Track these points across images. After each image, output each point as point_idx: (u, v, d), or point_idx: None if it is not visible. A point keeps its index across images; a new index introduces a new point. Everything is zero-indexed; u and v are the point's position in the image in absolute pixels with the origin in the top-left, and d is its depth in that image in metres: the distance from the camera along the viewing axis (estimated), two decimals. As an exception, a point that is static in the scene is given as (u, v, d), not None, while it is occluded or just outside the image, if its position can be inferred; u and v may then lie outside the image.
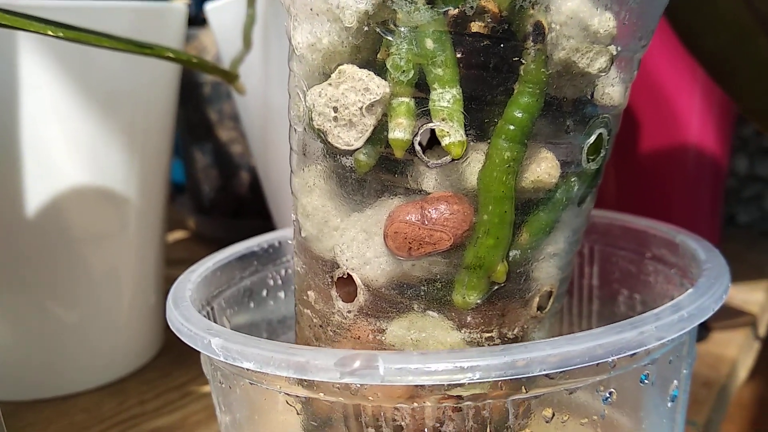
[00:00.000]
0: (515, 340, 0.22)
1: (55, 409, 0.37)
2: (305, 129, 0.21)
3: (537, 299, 0.22)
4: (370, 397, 0.19)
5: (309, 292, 0.23)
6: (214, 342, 0.19)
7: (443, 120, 0.18)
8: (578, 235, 0.23)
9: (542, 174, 0.20)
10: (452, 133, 0.18)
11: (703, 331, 0.42)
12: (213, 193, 0.63)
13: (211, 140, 0.61)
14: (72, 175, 0.35)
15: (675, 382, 0.21)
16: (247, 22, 0.34)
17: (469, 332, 0.21)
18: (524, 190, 0.20)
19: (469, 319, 0.21)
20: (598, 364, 0.17)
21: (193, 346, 0.20)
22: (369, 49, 0.19)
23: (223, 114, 0.59)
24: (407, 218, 0.19)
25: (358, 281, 0.21)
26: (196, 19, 0.55)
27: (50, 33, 0.26)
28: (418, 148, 0.19)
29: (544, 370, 0.17)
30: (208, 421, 0.35)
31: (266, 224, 0.55)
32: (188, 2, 0.41)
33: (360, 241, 0.21)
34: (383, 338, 0.21)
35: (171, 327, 0.22)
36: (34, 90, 0.33)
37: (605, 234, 0.30)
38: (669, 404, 0.21)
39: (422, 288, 0.21)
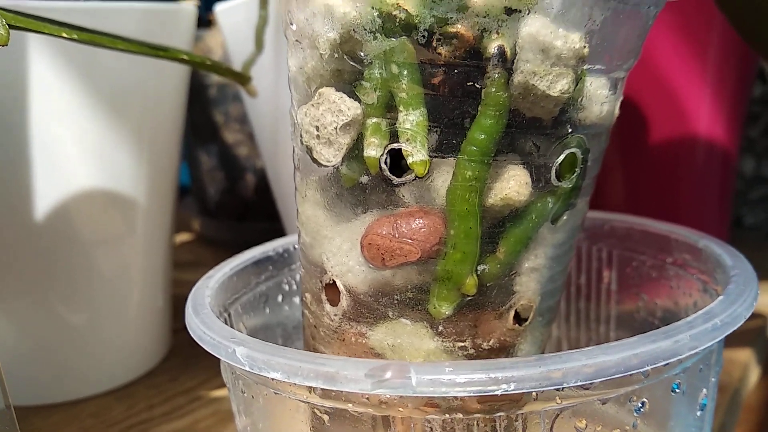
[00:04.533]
0: (492, 350, 0.22)
1: (64, 414, 0.37)
2: (298, 144, 0.23)
3: (513, 312, 0.23)
4: (400, 408, 0.18)
5: (307, 294, 0.24)
6: (239, 351, 0.19)
7: (407, 140, 0.20)
8: (561, 250, 0.23)
9: (511, 192, 0.20)
10: (415, 153, 0.20)
11: None
12: (218, 195, 0.62)
13: (216, 142, 0.60)
14: (81, 178, 0.35)
15: (704, 390, 0.21)
16: (260, 23, 0.34)
17: (443, 341, 0.22)
18: (493, 207, 0.21)
19: (441, 328, 0.22)
20: (632, 374, 0.17)
21: (217, 356, 0.20)
22: (350, 71, 0.20)
23: (229, 116, 0.59)
24: (380, 231, 0.21)
25: (341, 287, 0.22)
26: (201, 20, 0.54)
27: (65, 35, 0.25)
28: (384, 166, 0.20)
29: (579, 381, 0.17)
30: (218, 426, 0.35)
31: (272, 226, 0.55)
32: (197, 3, 0.41)
33: (344, 251, 0.22)
34: (365, 341, 0.22)
35: (192, 335, 0.21)
36: (43, 92, 0.33)
37: (624, 238, 0.30)
38: (698, 413, 0.21)
39: (396, 296, 0.22)
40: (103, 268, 0.38)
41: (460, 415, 0.18)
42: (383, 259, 0.21)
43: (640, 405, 0.19)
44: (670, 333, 0.18)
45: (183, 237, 0.71)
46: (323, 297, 0.23)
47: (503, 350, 0.23)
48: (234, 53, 0.42)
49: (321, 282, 0.23)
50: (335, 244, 0.22)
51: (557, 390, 0.17)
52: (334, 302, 0.23)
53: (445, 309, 0.21)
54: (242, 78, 0.34)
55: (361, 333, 0.22)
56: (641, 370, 0.17)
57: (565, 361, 0.17)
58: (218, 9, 0.42)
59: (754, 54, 0.45)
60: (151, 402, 0.38)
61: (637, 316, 0.30)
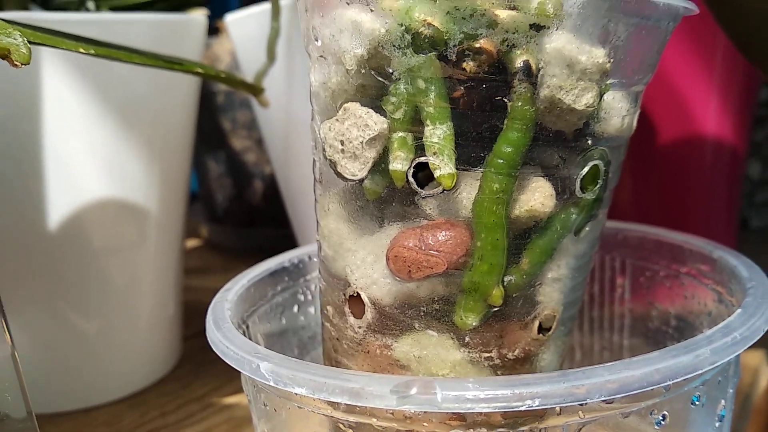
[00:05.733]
0: (517, 360, 0.23)
1: (77, 422, 0.37)
2: (320, 158, 0.23)
3: (537, 322, 0.23)
4: (424, 423, 0.19)
5: (328, 307, 0.25)
6: (263, 366, 0.19)
7: (434, 154, 0.20)
8: (582, 261, 0.24)
9: (536, 204, 0.21)
10: (442, 167, 0.20)
11: None
12: (226, 201, 0.63)
13: (224, 149, 0.61)
14: (93, 187, 0.35)
15: (722, 401, 0.21)
16: (272, 34, 0.34)
17: (469, 351, 0.22)
18: (519, 218, 0.21)
19: (467, 339, 0.22)
20: (653, 388, 0.17)
21: (240, 371, 0.20)
22: (375, 86, 0.21)
23: (237, 123, 0.59)
24: (406, 243, 0.21)
25: (365, 300, 0.22)
26: (209, 28, 0.55)
27: (82, 51, 0.25)
28: (411, 179, 0.21)
29: (602, 397, 0.17)
30: (232, 433, 0.35)
31: (280, 233, 0.55)
32: (207, 14, 0.41)
33: (369, 263, 0.22)
34: (390, 354, 0.22)
35: (215, 350, 0.22)
36: (56, 102, 0.33)
37: (638, 248, 0.30)
38: (717, 424, 0.21)
39: (422, 308, 0.22)
40: (114, 276, 0.38)
41: (484, 430, 0.18)
42: (410, 271, 0.21)
43: (661, 418, 0.19)
44: (691, 347, 0.18)
45: (191, 243, 0.71)
46: (347, 310, 0.23)
47: (527, 360, 0.23)
48: (244, 63, 0.42)
49: (344, 295, 0.23)
50: (359, 257, 0.22)
51: (580, 405, 0.18)
52: (358, 315, 0.23)
53: (472, 320, 0.21)
54: (255, 89, 0.34)
55: (386, 345, 0.22)
56: (663, 384, 0.17)
57: (588, 376, 0.17)
58: (228, 19, 0.42)
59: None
60: (163, 409, 0.38)
61: (651, 325, 0.30)
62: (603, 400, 0.17)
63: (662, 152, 0.44)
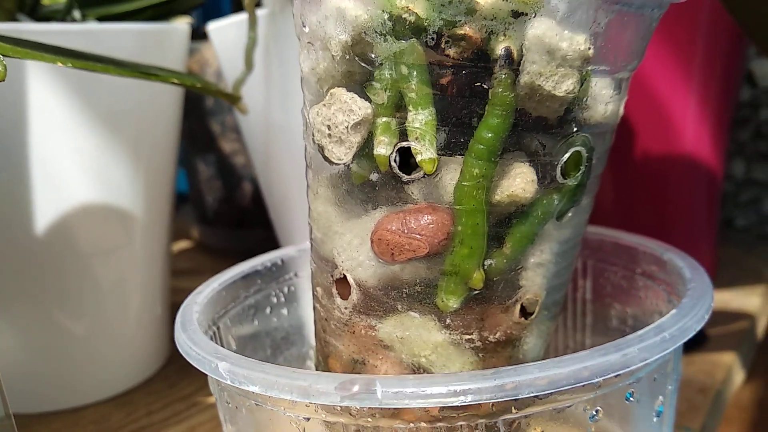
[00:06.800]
0: (498, 343, 0.23)
1: (65, 422, 0.38)
2: (310, 143, 0.24)
3: (519, 306, 0.23)
4: (369, 419, 0.20)
5: (318, 288, 0.25)
6: (221, 366, 0.20)
7: (416, 139, 0.20)
8: (567, 246, 0.24)
9: (517, 189, 0.21)
10: (423, 151, 0.20)
11: (702, 337, 0.42)
12: (216, 203, 0.63)
13: (213, 152, 0.61)
14: (79, 191, 0.36)
15: (660, 398, 0.22)
16: (249, 44, 0.35)
17: (450, 333, 0.22)
18: (500, 203, 0.21)
19: (449, 321, 0.22)
20: (584, 384, 0.18)
21: (202, 370, 0.21)
22: (360, 72, 0.21)
23: (226, 126, 0.60)
24: (389, 227, 0.21)
25: (351, 281, 0.23)
26: (198, 33, 0.55)
27: (60, 63, 0.27)
28: (393, 164, 0.21)
29: (532, 393, 0.18)
30: (215, 431, 0.36)
31: (269, 234, 0.56)
32: (190, 21, 0.42)
33: (354, 246, 0.23)
34: (374, 334, 0.23)
35: (180, 350, 0.23)
36: (42, 111, 0.34)
37: (597, 250, 0.31)
38: (655, 419, 0.22)
39: (405, 290, 0.22)
40: (102, 278, 0.39)
41: (424, 424, 0.19)
42: (392, 254, 0.21)
43: (594, 413, 0.20)
44: (621, 346, 0.19)
45: (182, 245, 0.72)
46: (334, 291, 0.24)
47: (509, 343, 0.23)
48: (227, 69, 0.43)
49: (332, 276, 0.24)
50: (346, 240, 0.23)
51: (513, 400, 0.19)
52: (345, 296, 0.24)
53: (453, 302, 0.22)
54: (232, 97, 0.35)
55: (370, 326, 0.23)
56: (592, 381, 0.18)
57: (519, 373, 0.18)
58: (210, 27, 0.43)
59: (738, 62, 0.45)
60: (150, 408, 0.39)
61: (610, 324, 0.31)
62: (535, 396, 0.18)
63: (642, 159, 0.45)
